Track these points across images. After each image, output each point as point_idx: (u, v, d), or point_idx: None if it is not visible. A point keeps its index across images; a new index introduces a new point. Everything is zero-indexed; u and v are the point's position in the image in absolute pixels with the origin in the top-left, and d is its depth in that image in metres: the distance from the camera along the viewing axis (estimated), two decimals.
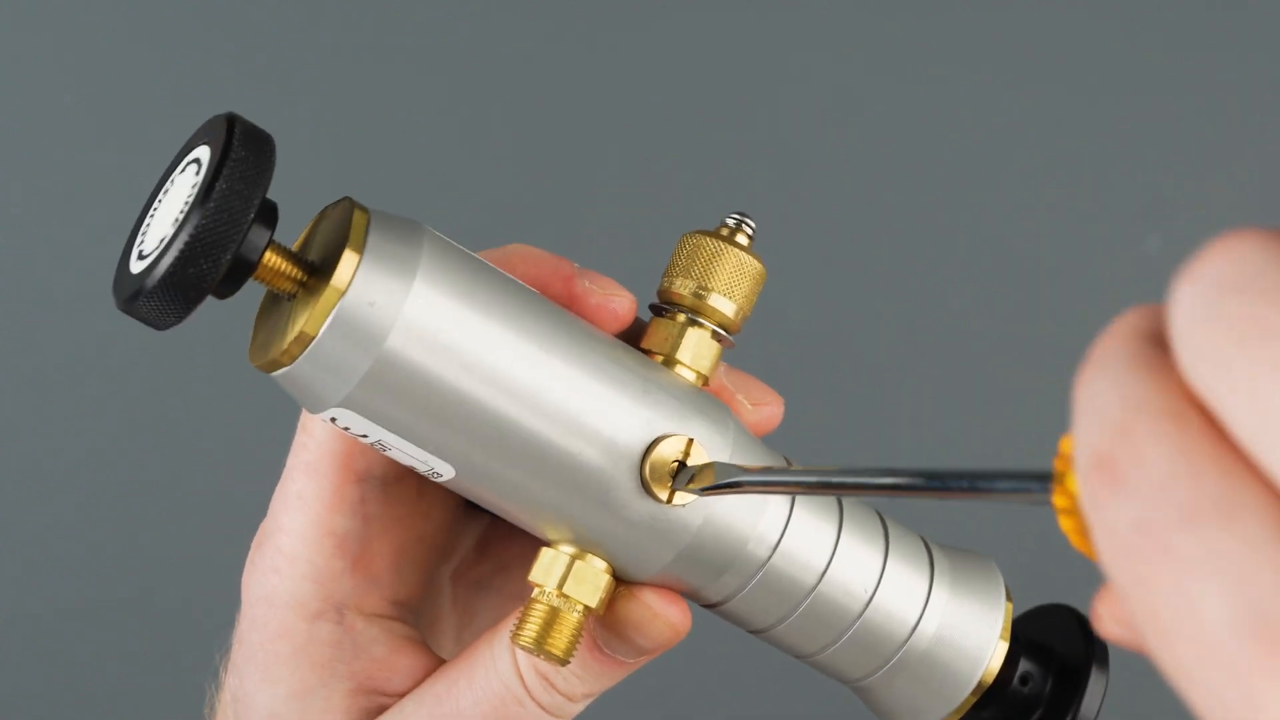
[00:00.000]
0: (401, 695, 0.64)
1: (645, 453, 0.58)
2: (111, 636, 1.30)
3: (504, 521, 0.68)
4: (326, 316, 0.55)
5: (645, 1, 1.35)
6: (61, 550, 1.31)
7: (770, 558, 0.61)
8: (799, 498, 0.62)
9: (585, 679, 0.61)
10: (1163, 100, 1.36)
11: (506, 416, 0.57)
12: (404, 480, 0.64)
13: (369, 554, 0.63)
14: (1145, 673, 1.34)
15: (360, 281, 0.55)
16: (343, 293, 0.54)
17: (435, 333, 0.55)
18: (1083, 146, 1.35)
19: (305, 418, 0.63)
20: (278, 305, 0.58)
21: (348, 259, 0.55)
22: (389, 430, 0.57)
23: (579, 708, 0.62)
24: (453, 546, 0.68)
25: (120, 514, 1.30)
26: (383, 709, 0.64)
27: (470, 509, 0.68)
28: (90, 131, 1.22)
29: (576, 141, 1.34)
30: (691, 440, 0.59)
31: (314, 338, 0.55)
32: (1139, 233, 1.35)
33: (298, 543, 0.62)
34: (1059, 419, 1.44)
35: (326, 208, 0.58)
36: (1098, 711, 0.66)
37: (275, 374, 0.56)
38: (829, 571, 0.62)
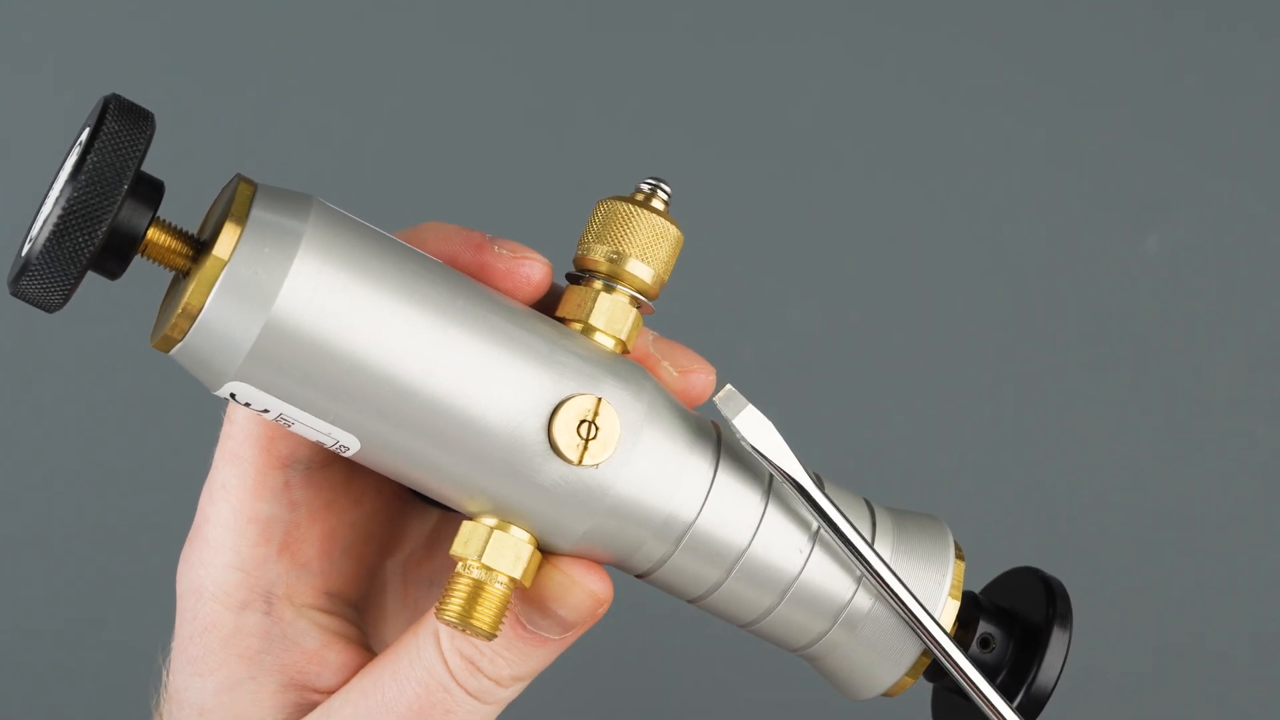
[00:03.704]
0: (332, 692, 0.63)
1: (552, 414, 0.57)
2: (100, 639, 1.30)
3: (454, 517, 0.67)
4: (211, 287, 0.55)
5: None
6: (55, 553, 1.31)
7: (696, 519, 0.59)
8: (722, 457, 0.60)
9: (511, 660, 0.60)
10: (1162, 100, 1.35)
11: (399, 382, 0.56)
12: (331, 465, 0.63)
13: (297, 540, 0.62)
14: (1148, 680, 1.31)
15: (244, 250, 0.55)
16: (225, 262, 0.54)
17: (322, 299, 0.55)
18: (1082, 146, 1.34)
19: (230, 408, 0.62)
20: (175, 286, 0.58)
21: (230, 229, 0.55)
22: (287, 402, 0.56)
23: (508, 693, 0.61)
24: (396, 540, 0.67)
25: (115, 515, 1.30)
26: (313, 705, 0.62)
27: (417, 504, 0.67)
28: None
29: (569, 140, 1.34)
30: (601, 400, 0.58)
31: (201, 309, 0.55)
32: (1139, 233, 1.34)
33: (221, 531, 0.62)
34: (1057, 419, 1.43)
35: (223, 188, 0.58)
36: (1060, 671, 0.64)
37: (171, 352, 0.56)
38: (759, 532, 0.60)
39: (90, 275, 0.55)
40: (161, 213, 0.56)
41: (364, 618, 0.66)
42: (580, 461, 0.57)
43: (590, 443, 0.58)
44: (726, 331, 1.31)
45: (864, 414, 1.32)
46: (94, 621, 1.30)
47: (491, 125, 1.33)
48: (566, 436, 0.57)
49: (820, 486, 0.62)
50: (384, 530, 0.66)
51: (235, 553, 0.61)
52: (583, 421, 0.58)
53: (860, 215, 1.33)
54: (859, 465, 1.27)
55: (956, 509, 1.15)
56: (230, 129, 1.31)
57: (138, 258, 0.56)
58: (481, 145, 1.33)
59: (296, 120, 1.32)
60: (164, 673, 0.65)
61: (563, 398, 0.58)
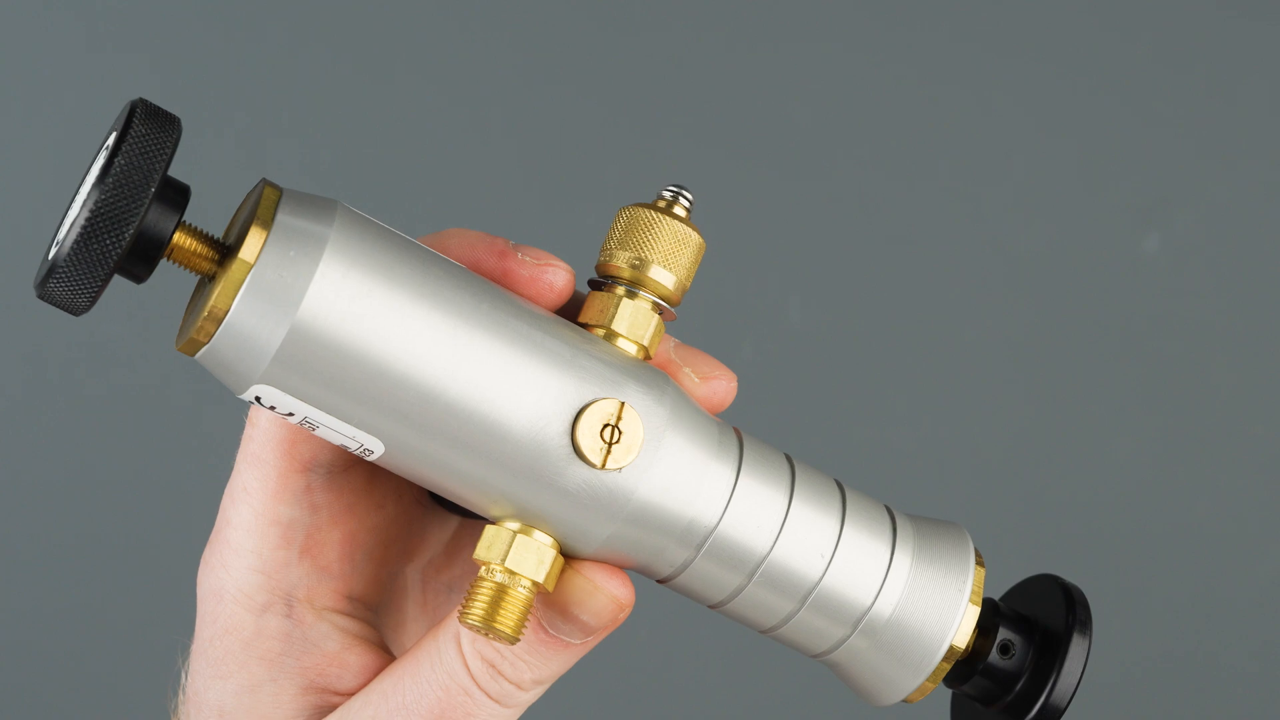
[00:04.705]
0: (352, 694, 0.63)
1: (575, 418, 0.58)
2: (101, 639, 1.30)
3: (475, 524, 0.67)
4: (237, 291, 0.55)
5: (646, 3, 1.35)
6: (74, 555, 1.30)
7: (718, 525, 0.59)
8: (744, 463, 0.60)
9: (533, 664, 0.60)
10: (1163, 100, 1.35)
11: (424, 387, 0.56)
12: (352, 469, 0.63)
13: (318, 544, 0.62)
14: (1149, 680, 1.32)
15: (269, 255, 0.55)
16: (251, 266, 0.55)
17: (347, 303, 0.55)
18: (1083, 146, 1.34)
19: (252, 411, 0.62)
20: (200, 290, 0.58)
21: (255, 233, 0.55)
22: (312, 405, 0.56)
23: (529, 696, 0.61)
24: (417, 545, 0.67)
25: (134, 518, 1.30)
26: (333, 708, 0.62)
27: (438, 510, 0.67)
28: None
29: (571, 142, 1.34)
30: (624, 404, 0.58)
31: (226, 312, 0.55)
32: (1139, 233, 1.34)
33: (243, 534, 0.62)
34: (1056, 418, 1.43)
35: (249, 193, 0.58)
36: (1079, 678, 0.64)
37: (197, 355, 0.56)
38: (781, 537, 0.60)
39: (115, 279, 0.55)
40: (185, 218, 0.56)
41: (383, 622, 0.66)
42: (603, 465, 0.57)
43: (614, 446, 0.58)
44: (726, 331, 1.31)
45: (863, 414, 1.32)
46: (110, 624, 1.30)
47: (490, 126, 1.32)
48: (590, 440, 0.57)
49: (841, 492, 0.62)
50: (405, 535, 0.66)
51: (256, 555, 0.62)
52: (606, 425, 0.58)
53: (861, 215, 1.34)
54: (859, 465, 1.27)
55: (954, 506, 1.15)
56: (232, 132, 1.31)
57: (163, 261, 0.56)
58: (480, 147, 1.33)
59: (304, 125, 1.32)
60: (182, 675, 0.65)
61: (586, 402, 0.58)
